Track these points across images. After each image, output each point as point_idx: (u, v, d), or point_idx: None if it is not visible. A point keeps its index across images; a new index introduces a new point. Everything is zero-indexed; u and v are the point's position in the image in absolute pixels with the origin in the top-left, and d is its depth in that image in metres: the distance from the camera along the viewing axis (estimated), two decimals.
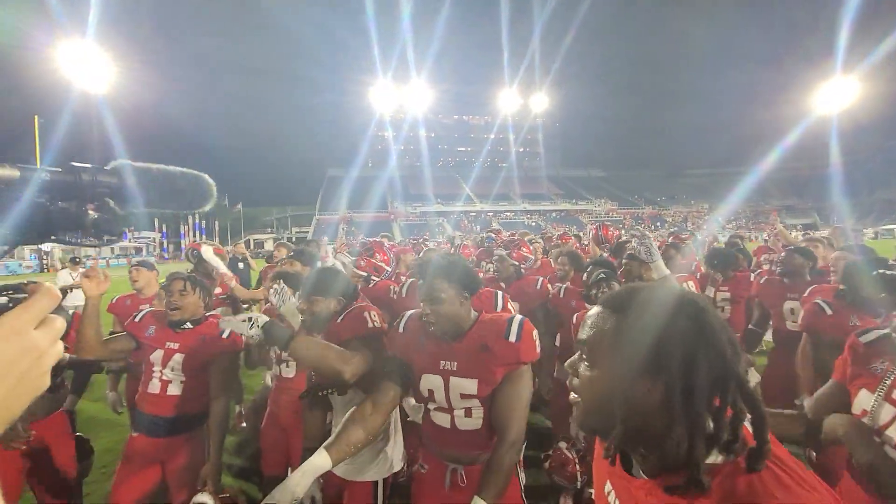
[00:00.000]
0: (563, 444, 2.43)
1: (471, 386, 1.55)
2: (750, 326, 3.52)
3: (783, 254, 3.44)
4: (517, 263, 3.58)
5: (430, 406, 1.67)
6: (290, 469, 2.52)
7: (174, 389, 2.24)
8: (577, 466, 2.32)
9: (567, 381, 0.80)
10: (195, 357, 2.25)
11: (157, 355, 2.25)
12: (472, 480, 1.60)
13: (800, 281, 3.12)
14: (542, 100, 72.79)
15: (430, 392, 1.63)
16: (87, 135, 47.72)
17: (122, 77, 45.50)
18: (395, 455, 1.97)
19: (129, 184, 0.53)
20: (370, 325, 1.83)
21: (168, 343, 2.25)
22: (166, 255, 39.88)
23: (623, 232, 8.74)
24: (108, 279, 2.12)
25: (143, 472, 2.23)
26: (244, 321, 1.64)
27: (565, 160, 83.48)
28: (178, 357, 2.24)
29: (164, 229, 42.73)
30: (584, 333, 0.77)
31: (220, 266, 3.70)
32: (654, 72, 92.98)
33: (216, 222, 45.61)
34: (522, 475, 1.73)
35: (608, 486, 0.88)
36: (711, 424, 0.65)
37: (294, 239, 38.86)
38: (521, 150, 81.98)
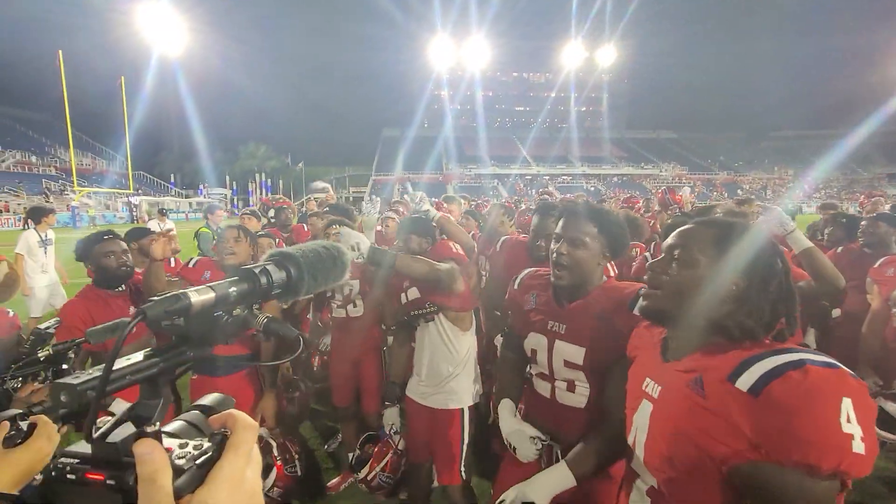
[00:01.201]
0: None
1: (576, 354, 1.41)
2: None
3: (864, 222, 3.04)
4: None
5: (533, 370, 1.58)
6: (361, 400, 2.79)
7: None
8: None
9: (650, 278, 1.03)
10: None
11: None
12: None
13: (884, 252, 2.78)
14: (609, 53, 67.48)
15: (533, 352, 1.53)
16: (164, 95, 50.93)
17: (193, 40, 47.47)
18: (476, 385, 2.15)
19: (295, 278, 0.54)
20: (454, 250, 2.23)
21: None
22: (236, 211, 42.69)
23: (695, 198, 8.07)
24: (173, 241, 2.28)
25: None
26: (351, 248, 1.79)
27: (632, 120, 77.84)
28: None
29: (235, 186, 45.51)
30: (681, 240, 1.00)
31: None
32: (737, 23, 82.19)
33: (280, 180, 47.83)
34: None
35: (646, 381, 1.08)
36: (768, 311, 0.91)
37: (351, 199, 40.10)
38: (584, 109, 77.37)
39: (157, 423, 0.41)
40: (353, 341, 2.71)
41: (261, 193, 41.72)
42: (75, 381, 0.37)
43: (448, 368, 2.07)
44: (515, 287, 1.67)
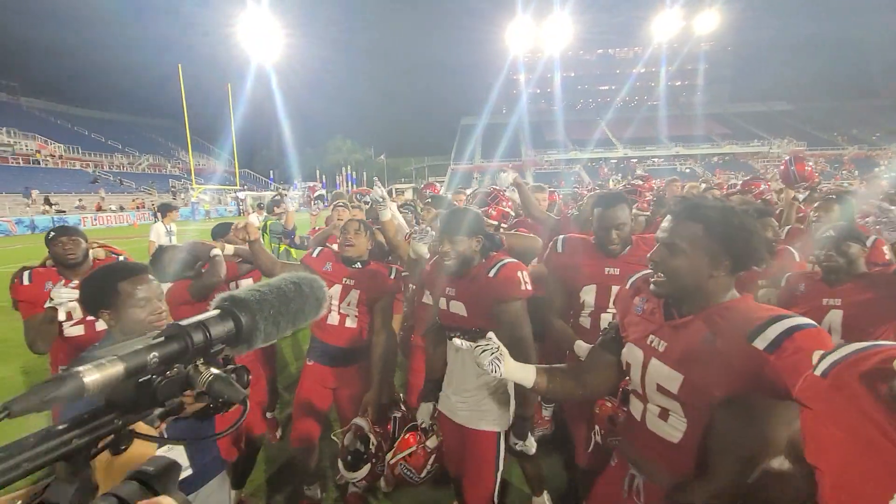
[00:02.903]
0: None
1: (672, 380, 1.18)
2: None
3: None
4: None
5: (630, 385, 1.39)
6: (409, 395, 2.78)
7: (350, 323, 2.47)
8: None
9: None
10: (368, 293, 2.45)
11: (334, 290, 2.45)
12: (651, 500, 1.28)
13: None
14: (710, 19, 60.54)
15: (628, 366, 1.35)
16: (262, 97, 55.75)
17: (285, 46, 51.19)
18: (513, 408, 1.95)
19: (245, 328, 0.48)
20: (523, 287, 1.85)
21: (345, 279, 2.47)
22: (326, 203, 45.69)
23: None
24: (249, 231, 2.44)
25: (316, 397, 2.50)
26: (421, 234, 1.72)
27: (735, 93, 69.33)
28: (354, 293, 2.45)
29: (324, 179, 48.76)
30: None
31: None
32: None
33: (364, 172, 50.23)
34: None
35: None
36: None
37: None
38: (677, 84, 70.57)
39: None
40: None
41: (348, 186, 44.16)
42: None
43: (480, 384, 1.90)
44: (627, 286, 1.47)
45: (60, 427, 0.38)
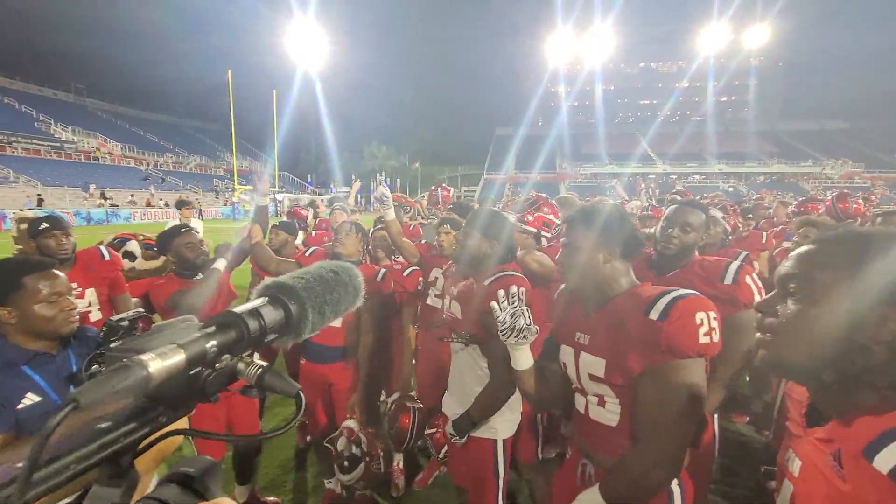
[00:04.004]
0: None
1: (598, 366, 1.30)
2: None
3: None
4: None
5: (572, 383, 1.48)
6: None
7: (336, 322, 2.51)
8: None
9: (759, 322, 0.81)
10: None
11: None
12: None
13: None
14: (761, 33, 58.27)
15: (564, 366, 1.45)
16: (305, 104, 57.65)
17: (328, 53, 52.90)
18: (512, 417, 1.90)
19: (295, 317, 0.46)
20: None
21: None
22: (360, 207, 46.72)
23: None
24: (252, 231, 2.51)
25: (315, 393, 2.54)
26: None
27: (787, 110, 66.17)
28: None
29: (359, 185, 49.82)
30: (797, 267, 0.76)
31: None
32: None
33: (398, 180, 50.95)
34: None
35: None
36: None
37: (462, 197, 40.93)
38: (724, 99, 68.09)
39: None
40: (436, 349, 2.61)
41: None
42: None
43: (476, 391, 1.84)
44: (556, 296, 1.63)
45: (105, 425, 0.36)
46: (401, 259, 3.02)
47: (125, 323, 1.05)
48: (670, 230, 2.04)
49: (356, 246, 2.57)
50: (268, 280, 0.49)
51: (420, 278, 2.81)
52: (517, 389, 1.75)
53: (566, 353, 1.43)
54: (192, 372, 0.39)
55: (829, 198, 4.71)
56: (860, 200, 4.70)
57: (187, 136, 57.31)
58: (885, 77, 65.41)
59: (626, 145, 57.88)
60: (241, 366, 0.43)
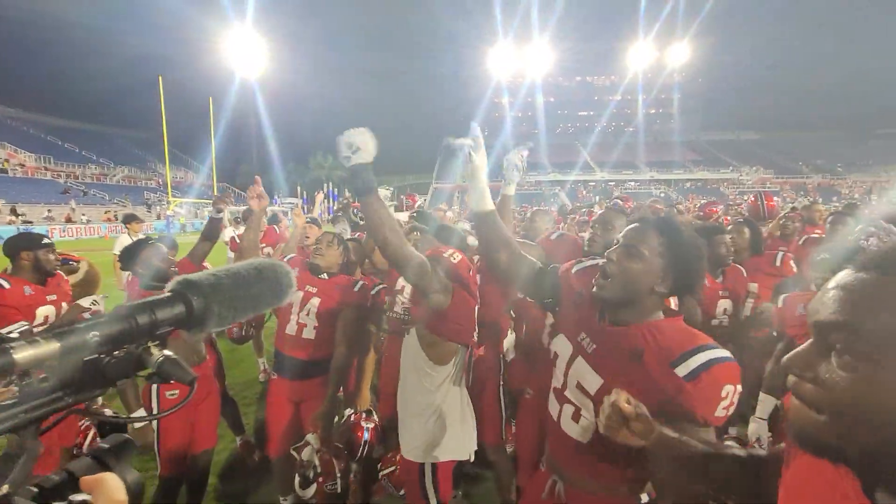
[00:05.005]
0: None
1: (592, 382, 1.20)
2: None
3: None
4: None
5: (553, 381, 1.37)
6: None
7: (308, 334, 2.44)
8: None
9: (790, 383, 0.61)
10: (329, 303, 2.43)
11: (296, 296, 2.44)
12: None
13: None
14: (682, 51, 63.49)
15: (556, 356, 1.34)
16: (244, 112, 55.47)
17: (269, 59, 51.31)
18: (450, 442, 1.74)
19: (197, 311, 0.48)
20: (451, 260, 1.83)
21: (307, 286, 2.46)
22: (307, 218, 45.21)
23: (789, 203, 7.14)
24: (264, 198, 2.42)
25: (283, 413, 2.46)
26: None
27: (707, 122, 72.40)
28: (314, 301, 2.43)
29: (304, 195, 48.39)
30: (845, 313, 0.54)
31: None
32: (832, 6, 73.17)
33: (346, 189, 50.11)
34: None
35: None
36: None
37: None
38: (652, 111, 73.30)
39: (13, 485, 0.37)
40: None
41: (329, 203, 43.90)
42: None
43: (414, 402, 1.74)
44: (573, 272, 1.41)
45: (9, 401, 0.38)
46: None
47: (14, 335, 1.02)
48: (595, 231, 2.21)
49: (336, 258, 2.54)
50: (178, 276, 0.51)
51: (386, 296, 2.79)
52: (462, 416, 1.75)
53: (562, 346, 1.32)
54: (87, 358, 0.42)
55: (756, 195, 5.19)
56: (777, 199, 5.24)
57: (114, 145, 52.96)
58: (790, 94, 73.45)
59: (567, 154, 60.68)
60: (144, 355, 0.46)
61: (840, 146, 60.72)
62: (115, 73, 59.29)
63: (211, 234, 2.72)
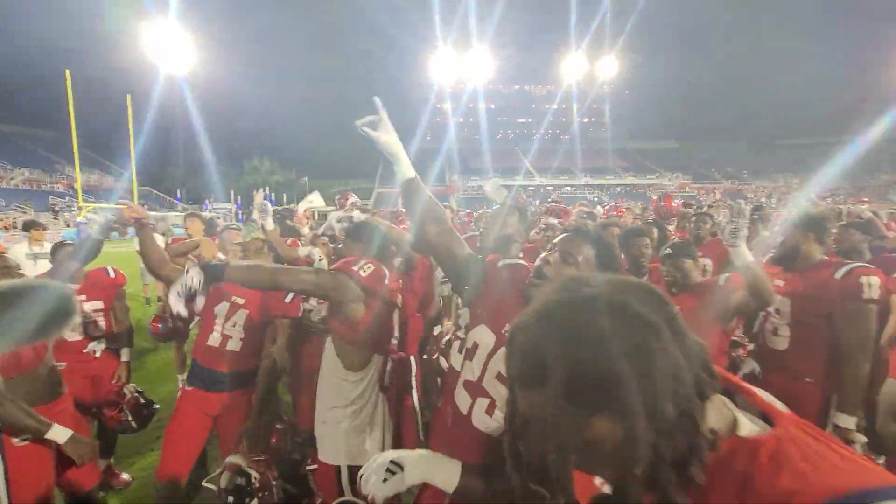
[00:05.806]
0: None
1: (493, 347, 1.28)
2: None
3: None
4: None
5: (463, 374, 1.35)
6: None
7: (233, 345, 2.30)
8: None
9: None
10: (257, 314, 2.31)
11: (221, 308, 2.30)
12: None
13: (857, 258, 2.69)
14: (610, 64, 67.84)
15: (475, 346, 1.32)
16: (170, 111, 51.63)
17: (198, 57, 48.28)
18: (365, 445, 1.73)
19: None
20: (354, 270, 1.75)
21: (234, 297, 2.31)
22: (242, 224, 42.84)
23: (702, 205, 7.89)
24: (139, 212, 2.25)
25: (195, 426, 2.25)
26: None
27: (634, 131, 77.92)
28: (241, 313, 2.29)
29: (239, 200, 45.81)
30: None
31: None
32: (742, 29, 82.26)
33: (284, 194, 48.08)
34: None
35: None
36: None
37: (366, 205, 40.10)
38: (585, 120, 77.67)
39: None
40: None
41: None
42: None
43: (330, 407, 1.71)
44: (499, 265, 1.50)
45: None
46: None
47: None
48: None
49: None
50: None
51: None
52: (380, 419, 1.75)
53: (484, 336, 1.31)
54: None
55: (656, 197, 5.59)
56: (676, 201, 5.62)
57: (12, 144, 47.01)
58: (704, 106, 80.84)
59: (508, 160, 62.64)
60: None
61: (747, 155, 67.87)
62: (13, 66, 52.71)
63: (90, 256, 2.52)
